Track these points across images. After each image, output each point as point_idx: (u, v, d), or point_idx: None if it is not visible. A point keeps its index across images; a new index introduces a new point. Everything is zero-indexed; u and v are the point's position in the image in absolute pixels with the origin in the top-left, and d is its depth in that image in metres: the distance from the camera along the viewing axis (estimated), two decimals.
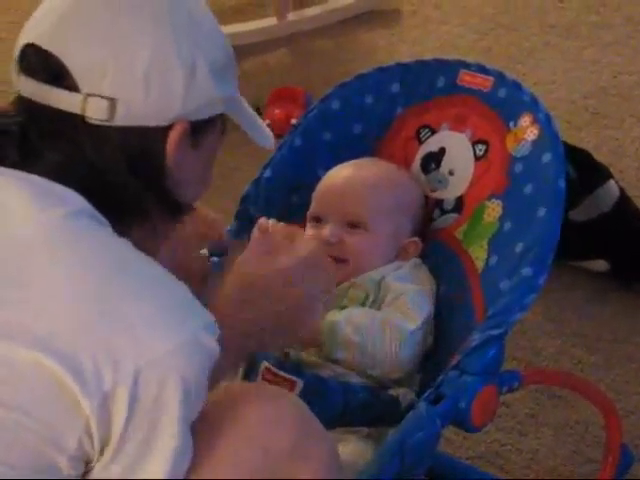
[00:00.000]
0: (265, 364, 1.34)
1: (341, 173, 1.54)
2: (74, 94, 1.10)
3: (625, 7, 2.78)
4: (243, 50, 2.65)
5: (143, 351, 1.00)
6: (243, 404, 1.13)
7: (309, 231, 1.49)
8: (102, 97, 1.10)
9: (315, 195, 1.54)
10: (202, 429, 1.09)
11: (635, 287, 2.00)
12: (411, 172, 1.57)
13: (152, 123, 1.14)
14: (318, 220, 1.49)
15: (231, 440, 1.09)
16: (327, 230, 1.46)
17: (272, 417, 1.12)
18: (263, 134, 1.32)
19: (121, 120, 1.11)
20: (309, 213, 1.52)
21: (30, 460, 1.00)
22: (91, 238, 1.09)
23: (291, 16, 2.69)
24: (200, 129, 1.18)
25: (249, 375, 1.37)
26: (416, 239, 1.49)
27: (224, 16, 2.75)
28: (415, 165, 1.56)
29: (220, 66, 1.18)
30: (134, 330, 1.02)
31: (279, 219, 1.56)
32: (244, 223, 1.55)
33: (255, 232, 1.35)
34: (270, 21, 2.65)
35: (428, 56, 1.62)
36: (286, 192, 1.58)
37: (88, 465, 1.02)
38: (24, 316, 1.01)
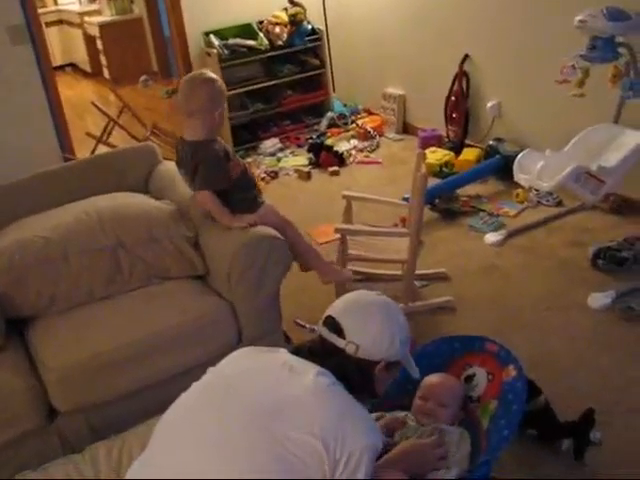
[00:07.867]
0: None
1: (438, 379, 2.09)
2: (342, 340, 1.66)
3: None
4: None
5: (354, 443, 1.46)
6: None
7: (418, 401, 2.06)
8: (354, 343, 1.65)
9: (423, 385, 2.09)
10: None
11: (554, 444, 2.57)
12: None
13: (373, 358, 1.68)
14: (425, 399, 2.06)
15: None
16: (429, 405, 2.06)
17: None
18: (414, 369, 1.86)
19: (360, 354, 1.66)
20: (420, 395, 2.06)
21: None
22: (334, 386, 1.57)
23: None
24: (390, 365, 1.74)
25: None
26: (462, 413, 2.09)
27: None
28: (461, 380, 2.18)
29: (404, 341, 1.75)
30: (351, 432, 1.46)
31: (398, 394, 2.16)
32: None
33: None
34: None
35: None
36: (404, 384, 2.18)
37: None
38: (303, 414, 1.45)
